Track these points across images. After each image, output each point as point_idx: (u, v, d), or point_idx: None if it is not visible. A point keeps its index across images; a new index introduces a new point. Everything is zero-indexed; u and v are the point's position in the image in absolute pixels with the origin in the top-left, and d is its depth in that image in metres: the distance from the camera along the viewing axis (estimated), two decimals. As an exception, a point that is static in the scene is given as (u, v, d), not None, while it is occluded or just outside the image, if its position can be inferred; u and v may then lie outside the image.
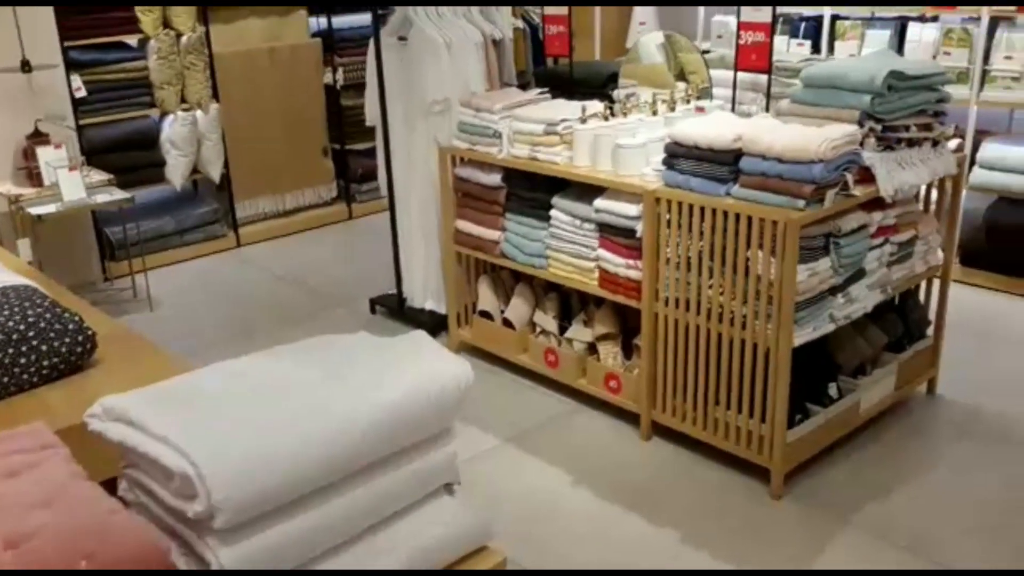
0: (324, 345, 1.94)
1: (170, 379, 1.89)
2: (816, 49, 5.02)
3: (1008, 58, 4.43)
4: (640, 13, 5.81)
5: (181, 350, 4.29)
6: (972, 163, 4.61)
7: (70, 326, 2.80)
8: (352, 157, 6.11)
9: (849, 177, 2.83)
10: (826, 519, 2.93)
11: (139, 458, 1.68)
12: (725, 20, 5.37)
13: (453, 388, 1.83)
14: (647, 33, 5.51)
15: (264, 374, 1.81)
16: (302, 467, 1.60)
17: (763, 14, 3.11)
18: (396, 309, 4.54)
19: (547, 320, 3.81)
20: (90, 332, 2.84)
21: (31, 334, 2.70)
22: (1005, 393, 3.64)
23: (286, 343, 2.04)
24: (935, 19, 4.73)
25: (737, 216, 2.88)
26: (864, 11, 4.85)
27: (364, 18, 5.99)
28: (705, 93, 3.62)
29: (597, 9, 5.90)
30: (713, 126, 3.00)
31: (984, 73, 4.50)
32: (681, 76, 4.04)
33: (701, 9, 5.47)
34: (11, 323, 2.69)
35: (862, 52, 4.84)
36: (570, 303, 3.86)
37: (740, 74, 3.30)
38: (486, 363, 4.04)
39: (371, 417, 1.68)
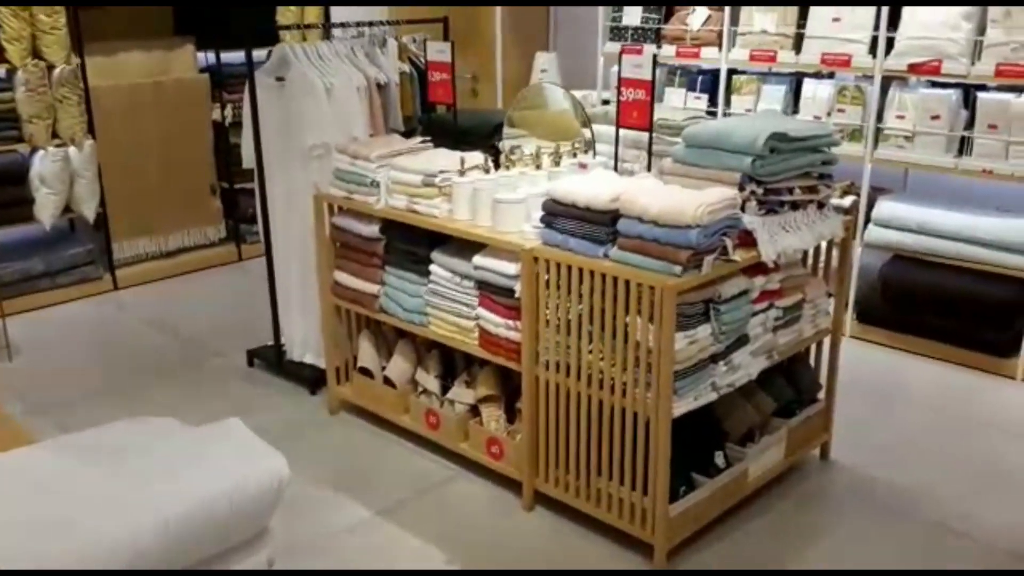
0: (121, 438, 1.70)
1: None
2: (713, 103, 4.99)
3: (900, 117, 4.45)
4: (541, 60, 5.71)
5: (35, 408, 3.96)
6: (868, 220, 4.61)
7: None
8: (242, 196, 5.83)
9: (728, 242, 2.71)
10: (707, 601, 2.77)
11: None
12: (626, 69, 5.30)
13: (264, 489, 1.61)
14: (548, 80, 5.42)
15: (46, 476, 1.56)
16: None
17: (644, 71, 3.00)
18: (275, 362, 4.27)
19: (428, 379, 3.60)
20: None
21: None
22: (898, 457, 3.57)
23: (151, 402, 1.79)
24: (830, 76, 4.73)
25: (615, 279, 2.74)
26: (762, 66, 4.83)
27: (256, 54, 5.74)
28: (590, 147, 3.49)
29: (499, 56, 5.80)
30: (592, 185, 2.86)
31: (878, 131, 4.51)
32: (587, 125, 3.92)
33: (600, 60, 5.40)
34: None
35: (758, 107, 4.82)
36: (454, 360, 3.66)
37: (624, 131, 3.18)
38: (367, 423, 3.81)
39: (157, 530, 1.45)
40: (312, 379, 4.07)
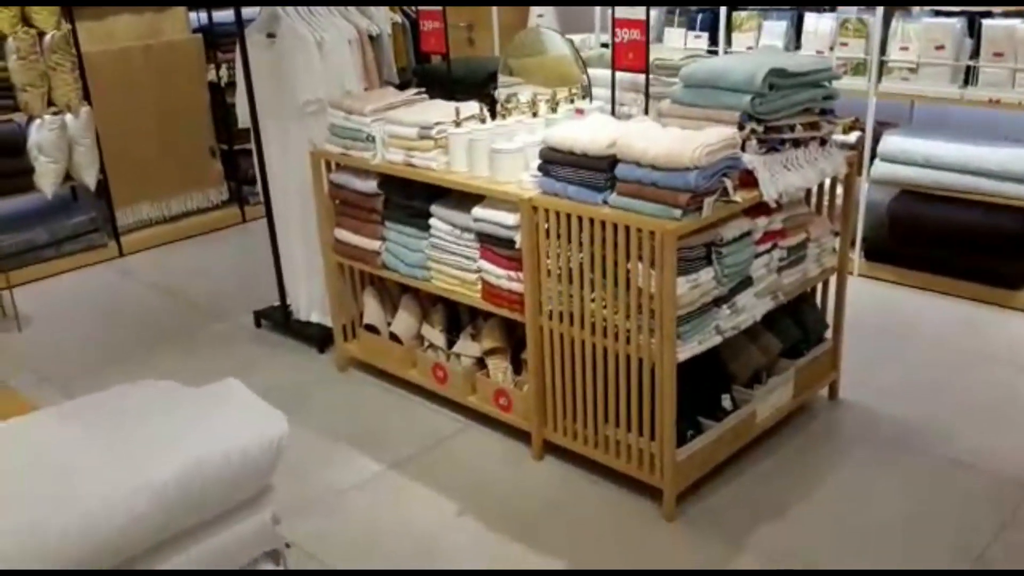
0: (116, 403, 1.70)
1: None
2: (714, 41, 4.89)
3: (904, 49, 4.35)
4: (538, 6, 5.61)
5: (45, 377, 3.99)
6: (874, 155, 4.54)
7: None
8: (243, 157, 5.79)
9: (728, 183, 2.67)
10: (720, 543, 2.79)
11: None
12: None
13: (263, 448, 1.61)
14: (545, 25, 5.32)
15: (42, 444, 1.57)
16: (66, 558, 1.37)
17: (638, 11, 2.93)
18: (282, 323, 4.28)
19: (434, 334, 3.60)
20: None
21: None
22: (908, 394, 3.55)
23: (160, 367, 1.79)
24: (832, 8, 4.62)
25: (615, 226, 2.71)
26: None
27: (249, 12, 5.66)
28: (587, 92, 3.43)
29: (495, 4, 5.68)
30: (588, 130, 2.82)
31: (881, 64, 4.42)
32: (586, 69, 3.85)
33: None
34: None
35: (759, 43, 4.73)
36: (459, 314, 3.66)
37: (620, 73, 3.12)
38: (376, 379, 3.82)
39: (152, 492, 1.45)
40: (319, 338, 4.07)
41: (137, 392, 1.74)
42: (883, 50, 4.40)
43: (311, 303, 4.17)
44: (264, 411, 1.67)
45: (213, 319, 4.53)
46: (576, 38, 3.94)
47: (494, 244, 3.12)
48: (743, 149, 2.77)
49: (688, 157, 2.54)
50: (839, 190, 3.36)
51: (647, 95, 3.10)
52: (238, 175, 5.83)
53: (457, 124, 3.21)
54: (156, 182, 5.52)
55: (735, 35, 4.84)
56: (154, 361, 4.07)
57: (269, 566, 1.73)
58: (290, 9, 3.76)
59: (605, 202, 2.75)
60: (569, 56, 3.64)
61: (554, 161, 2.86)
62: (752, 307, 2.94)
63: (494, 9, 5.69)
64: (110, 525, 1.40)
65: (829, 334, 3.50)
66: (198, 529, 1.56)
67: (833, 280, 3.43)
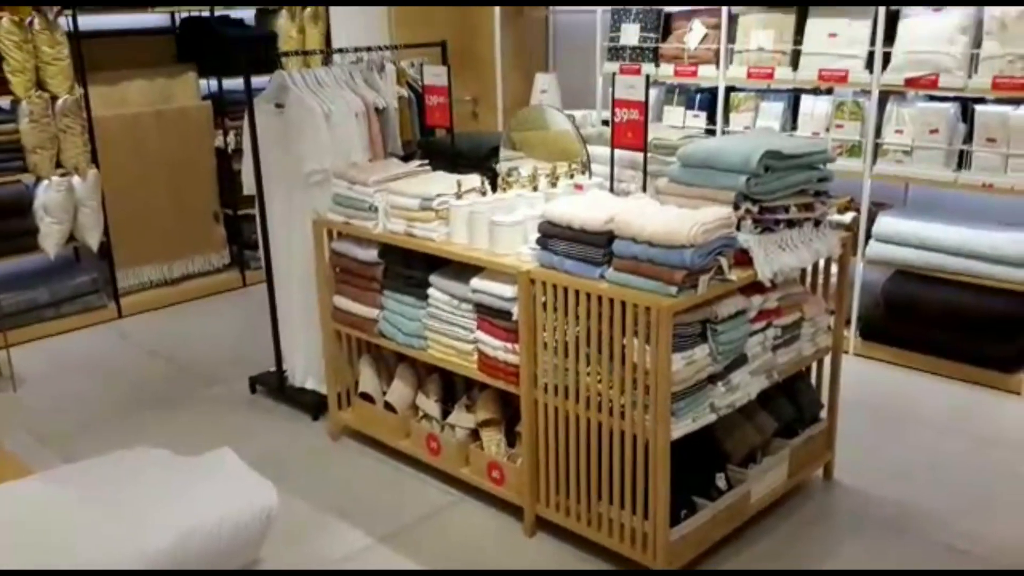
0: (113, 470, 1.70)
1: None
2: (712, 120, 4.99)
3: (899, 132, 4.44)
4: (541, 81, 5.72)
5: (39, 438, 3.97)
6: (868, 236, 4.59)
7: None
8: (245, 223, 5.85)
9: (724, 261, 2.70)
10: (711, 624, 2.74)
11: None
12: (625, 89, 5.31)
13: (253, 518, 1.61)
14: (547, 101, 5.43)
15: (44, 506, 1.56)
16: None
17: (638, 91, 3.01)
18: (277, 388, 4.27)
19: (429, 404, 3.60)
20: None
21: None
22: (903, 477, 3.53)
23: (154, 430, 1.79)
24: (828, 92, 4.74)
25: (611, 301, 2.73)
26: (759, 83, 4.84)
27: (259, 81, 5.79)
28: (586, 168, 3.49)
29: (499, 80, 5.82)
30: (587, 206, 2.86)
31: (876, 146, 4.50)
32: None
33: (599, 79, 5.42)
34: None
35: (756, 124, 4.82)
36: (454, 385, 3.66)
37: (620, 151, 3.18)
38: (369, 448, 3.80)
39: (151, 561, 1.44)
40: (314, 404, 4.06)
41: (132, 459, 1.75)
42: (878, 133, 4.49)
43: (307, 369, 4.17)
44: (255, 482, 1.67)
45: (209, 383, 4.52)
46: (577, 114, 4.03)
47: (491, 315, 3.14)
48: (738, 228, 2.81)
49: (684, 235, 2.58)
50: (833, 269, 3.39)
51: (645, 173, 3.15)
52: (240, 240, 5.89)
53: (458, 196, 3.26)
54: (159, 245, 5.57)
55: (732, 115, 4.94)
56: (149, 424, 4.05)
57: (253, 640, 1.70)
58: (299, 80, 3.85)
59: (602, 277, 2.78)
60: (571, 132, 3.72)
61: (552, 235, 2.90)
62: (747, 385, 2.94)
63: (499, 84, 5.82)
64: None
65: (824, 414, 3.49)
66: (183, 601, 1.55)
67: (828, 359, 3.44)
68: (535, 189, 3.41)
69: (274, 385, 4.27)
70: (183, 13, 5.72)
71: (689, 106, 5.06)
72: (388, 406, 3.68)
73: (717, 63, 4.91)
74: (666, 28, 5.18)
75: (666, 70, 5.12)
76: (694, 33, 4.97)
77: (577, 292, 2.82)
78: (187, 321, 5.42)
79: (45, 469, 2.10)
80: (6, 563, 1.40)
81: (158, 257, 5.59)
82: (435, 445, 3.50)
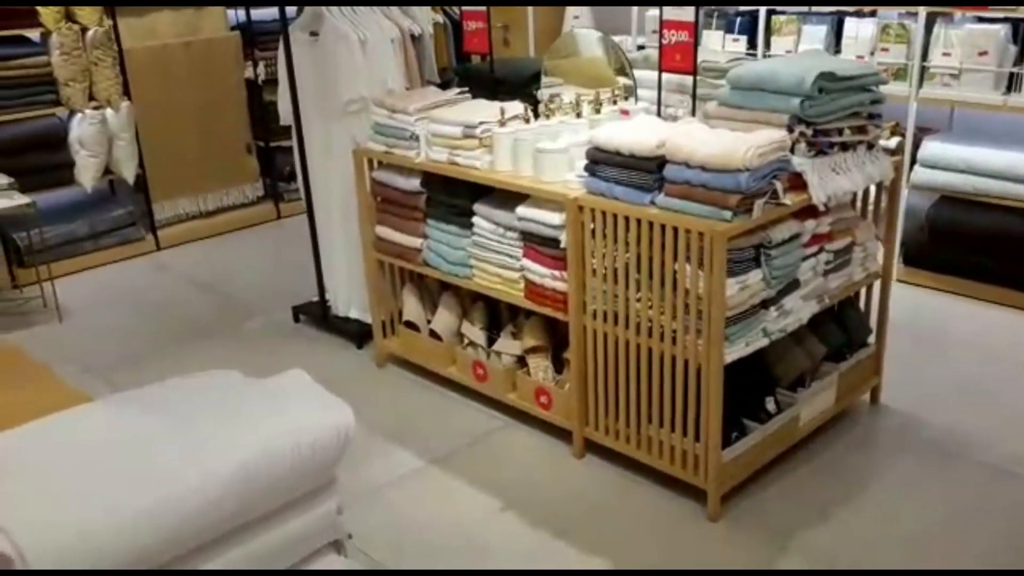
0: (185, 392, 1.72)
1: (5, 435, 1.67)
2: (752, 45, 4.88)
3: (946, 54, 4.33)
4: (574, 7, 5.62)
5: (87, 367, 4.04)
6: (913, 161, 4.52)
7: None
8: (278, 154, 5.84)
9: (778, 185, 2.67)
10: (764, 544, 2.78)
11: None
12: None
13: (330, 438, 1.63)
14: (581, 27, 5.33)
15: (109, 430, 1.59)
16: (141, 541, 1.40)
17: (687, 12, 2.93)
18: (320, 318, 4.31)
19: (474, 331, 3.62)
20: (-28, 355, 2.62)
21: None
22: (948, 400, 3.53)
23: (199, 360, 1.82)
24: (873, 14, 4.61)
25: (663, 227, 2.71)
26: (800, 6, 4.71)
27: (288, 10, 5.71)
28: (631, 93, 3.43)
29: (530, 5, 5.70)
30: (636, 131, 2.82)
31: (923, 70, 4.40)
32: (621, 71, 3.86)
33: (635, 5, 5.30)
34: None
35: (799, 48, 4.71)
36: (499, 313, 3.67)
37: (666, 75, 3.12)
38: (414, 375, 3.84)
39: (221, 481, 1.47)
40: (358, 334, 4.10)
41: (202, 381, 1.77)
42: (925, 55, 4.38)
43: (350, 299, 4.20)
44: (331, 402, 1.69)
45: (250, 314, 4.57)
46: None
47: (538, 243, 3.13)
48: (792, 152, 2.77)
49: (739, 159, 2.55)
50: (882, 195, 3.34)
51: (694, 97, 3.10)
52: (274, 172, 5.87)
53: (502, 124, 3.23)
54: (193, 177, 5.57)
55: (774, 39, 4.83)
56: (193, 354, 4.11)
57: (332, 556, 1.74)
58: (333, 8, 3.79)
59: (653, 203, 2.76)
60: (602, 58, 3.66)
61: (601, 161, 2.87)
62: (799, 310, 2.94)
63: (530, 10, 5.70)
64: (185, 508, 1.42)
65: (872, 339, 3.49)
66: (266, 518, 1.58)
67: (876, 285, 3.42)
68: (579, 115, 3.36)
69: (317, 315, 4.30)
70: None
71: (728, 30, 4.95)
72: (433, 334, 3.71)
73: (758, -17, 4.78)
74: (705, -52, 5.03)
75: (704, -8, 4.99)
76: (734, -47, 4.82)
77: (627, 218, 2.80)
78: (224, 253, 5.45)
79: (98, 399, 2.13)
80: (78, 486, 1.43)
81: (192, 189, 5.60)
82: (481, 371, 3.53)
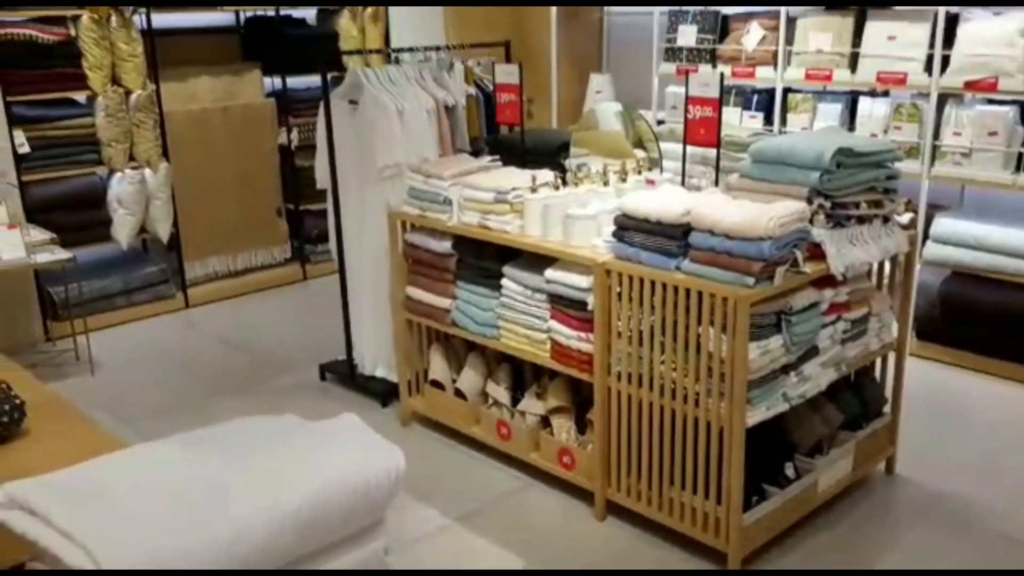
0: (246, 432, 1.83)
1: (80, 465, 1.77)
2: (768, 121, 5.06)
3: (957, 134, 4.49)
4: (596, 81, 5.85)
5: (119, 418, 4.13)
6: (925, 237, 4.64)
7: (-5, 394, 2.67)
8: (307, 217, 6.02)
9: (799, 254, 2.79)
10: (781, 606, 2.83)
11: (43, 552, 1.55)
12: (679, 91, 5.39)
13: (383, 480, 1.73)
14: (603, 101, 5.54)
15: (180, 464, 1.69)
16: (207, 566, 1.48)
17: (711, 89, 3.10)
18: (347, 376, 4.41)
19: (499, 391, 3.71)
20: (18, 401, 2.73)
21: (-51, 406, 2.56)
22: (963, 472, 3.59)
23: (230, 415, 1.92)
24: (886, 94, 4.79)
25: (688, 291, 2.83)
26: (816, 84, 4.91)
27: (318, 79, 5.95)
28: (655, 164, 3.59)
29: (554, 77, 5.94)
30: (662, 200, 2.96)
31: (934, 148, 4.55)
32: (639, 144, 4.04)
33: (655, 80, 5.51)
34: (-76, 395, 2.56)
35: (814, 125, 4.89)
36: (523, 373, 3.77)
37: (690, 147, 3.28)
38: (438, 434, 3.92)
39: (285, 516, 1.56)
40: (383, 392, 4.19)
41: (267, 423, 1.87)
42: (936, 135, 4.55)
43: (376, 358, 4.30)
44: (383, 444, 1.79)
45: (277, 371, 4.67)
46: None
47: (565, 305, 3.24)
48: (811, 223, 2.90)
49: (762, 227, 2.67)
50: (893, 268, 3.46)
51: (717, 169, 3.25)
52: (302, 234, 6.04)
53: (533, 190, 3.37)
54: (225, 238, 5.74)
55: (790, 115, 5.02)
56: (221, 409, 4.20)
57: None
58: (372, 78, 3.98)
59: (678, 268, 2.88)
60: (620, 131, 3.85)
61: (628, 227, 3.00)
62: (817, 376, 3.03)
63: (553, 83, 5.94)
64: (251, 539, 1.51)
65: (887, 409, 3.56)
66: (320, 552, 1.67)
67: (891, 357, 3.51)
68: (605, 184, 3.51)
69: (344, 373, 4.40)
70: (248, 12, 5.88)
71: (746, 107, 5.14)
72: (458, 393, 3.80)
73: (775, 64, 4.98)
74: (723, 30, 5.27)
75: (723, 71, 5.19)
76: (752, 35, 5.04)
77: (653, 282, 2.92)
78: (252, 312, 5.58)
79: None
80: (152, 513, 1.52)
81: (223, 249, 5.76)
82: (505, 431, 3.61)
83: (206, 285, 5.71)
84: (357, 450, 1.75)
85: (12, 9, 4.76)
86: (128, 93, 5.15)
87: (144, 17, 5.17)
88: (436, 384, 3.89)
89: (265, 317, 5.48)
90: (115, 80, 5.12)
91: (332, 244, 4.32)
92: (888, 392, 3.55)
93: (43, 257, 4.49)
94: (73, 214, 5.08)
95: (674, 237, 2.88)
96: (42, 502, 1.58)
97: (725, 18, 5.28)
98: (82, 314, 4.84)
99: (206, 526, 1.49)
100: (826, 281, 2.97)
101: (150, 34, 5.20)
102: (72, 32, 4.95)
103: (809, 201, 2.90)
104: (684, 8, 5.35)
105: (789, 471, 3.16)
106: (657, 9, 5.43)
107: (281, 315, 5.53)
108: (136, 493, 1.60)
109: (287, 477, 1.64)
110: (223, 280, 5.80)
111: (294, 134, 5.85)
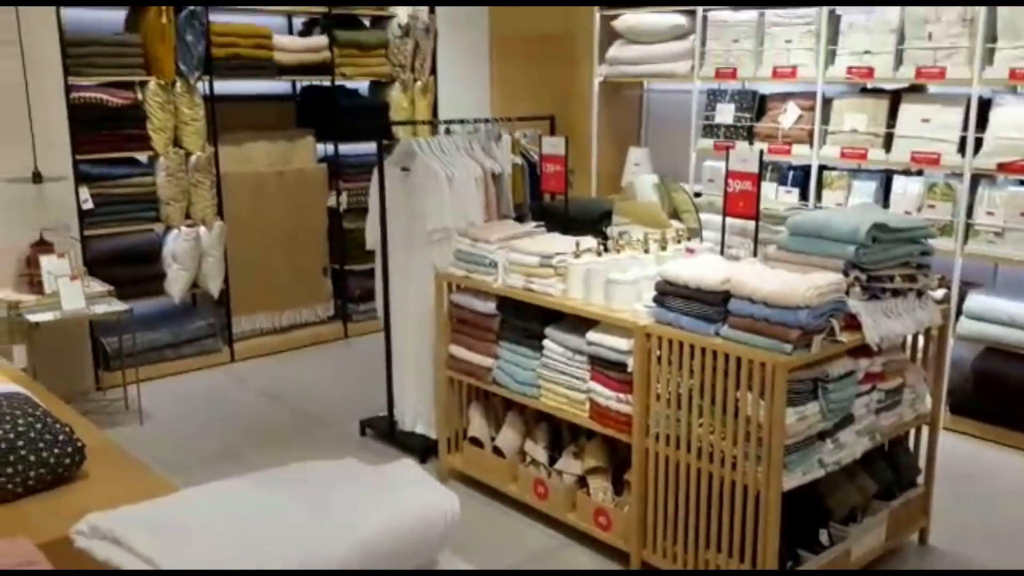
0: (310, 472, 1.93)
1: (158, 499, 1.89)
2: (804, 197, 5.20)
3: (990, 213, 4.59)
4: (634, 154, 6.04)
5: (165, 467, 4.23)
6: (959, 313, 4.71)
7: (60, 437, 2.79)
8: (351, 277, 6.21)
9: (835, 324, 2.89)
10: (815, 672, 2.85)
11: (121, 579, 1.65)
12: (716, 165, 5.55)
13: (439, 522, 1.83)
14: (641, 173, 5.73)
15: (249, 501, 1.80)
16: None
17: (751, 164, 3.25)
18: (387, 432, 4.51)
19: (537, 450, 3.80)
20: (80, 444, 2.84)
21: (20, 443, 2.69)
22: (996, 544, 3.60)
23: (273, 466, 2.03)
24: (920, 173, 4.92)
25: (727, 356, 2.93)
26: (851, 163, 5.05)
27: (368, 147, 6.21)
28: (694, 234, 3.73)
29: (595, 149, 6.15)
30: (702, 268, 3.09)
31: (968, 227, 4.65)
32: (674, 215, 4.20)
33: (693, 154, 5.69)
34: (1, 431, 2.69)
35: (849, 202, 5.01)
36: (561, 433, 3.86)
37: (728, 219, 3.42)
38: (475, 491, 3.99)
39: (351, 552, 1.66)
40: (422, 448, 4.29)
41: (326, 466, 1.98)
42: (969, 213, 4.65)
43: (416, 414, 4.41)
44: (439, 488, 1.89)
45: (318, 425, 4.80)
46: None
47: (606, 367, 3.35)
48: (847, 295, 3.00)
49: (800, 297, 2.78)
50: (922, 343, 3.53)
51: (756, 240, 3.37)
52: (345, 294, 6.22)
53: (576, 255, 3.52)
54: (272, 295, 5.92)
55: (825, 192, 5.15)
56: (267, 460, 4.29)
57: (426, 635, 1.89)
58: (425, 147, 4.19)
59: (717, 333, 2.99)
60: (656, 202, 4.03)
61: (669, 293, 3.13)
62: (853, 444, 3.09)
63: (594, 155, 6.14)
64: (323, 565, 1.61)
65: (920, 480, 3.60)
66: (379, 588, 1.76)
67: (925, 430, 3.56)
68: (646, 251, 3.64)
69: (384, 429, 4.51)
70: (304, 82, 6.17)
71: (782, 182, 5.28)
72: (497, 451, 3.89)
73: (811, 143, 5.14)
74: (760, 108, 5.45)
75: (759, 147, 5.35)
76: (788, 114, 5.22)
77: (692, 347, 3.03)
78: (295, 367, 5.73)
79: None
80: (220, 550, 1.62)
81: (270, 306, 5.94)
82: (542, 490, 3.68)
83: (251, 340, 5.88)
84: (415, 492, 1.85)
85: (87, 76, 5.05)
86: (188, 154, 5.41)
87: (207, 84, 5.46)
88: (475, 441, 3.98)
89: (307, 373, 5.63)
90: (176, 142, 5.38)
91: (378, 302, 4.48)
92: (921, 463, 3.59)
93: (101, 308, 4.69)
94: (129, 268, 5.29)
95: (714, 303, 3.00)
96: (124, 531, 1.69)
97: (763, 97, 5.47)
98: (133, 365, 5.01)
99: (279, 555, 1.60)
100: (862, 351, 3.06)
101: (211, 100, 5.48)
102: (139, 96, 5.23)
103: (845, 273, 3.01)
104: (722, 86, 5.55)
105: (823, 538, 3.20)
106: (696, 87, 5.63)
107: (322, 371, 5.67)
108: (211, 523, 1.70)
109: (354, 511, 1.74)
110: (268, 336, 5.96)
111: (343, 197, 6.08)
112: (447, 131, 4.37)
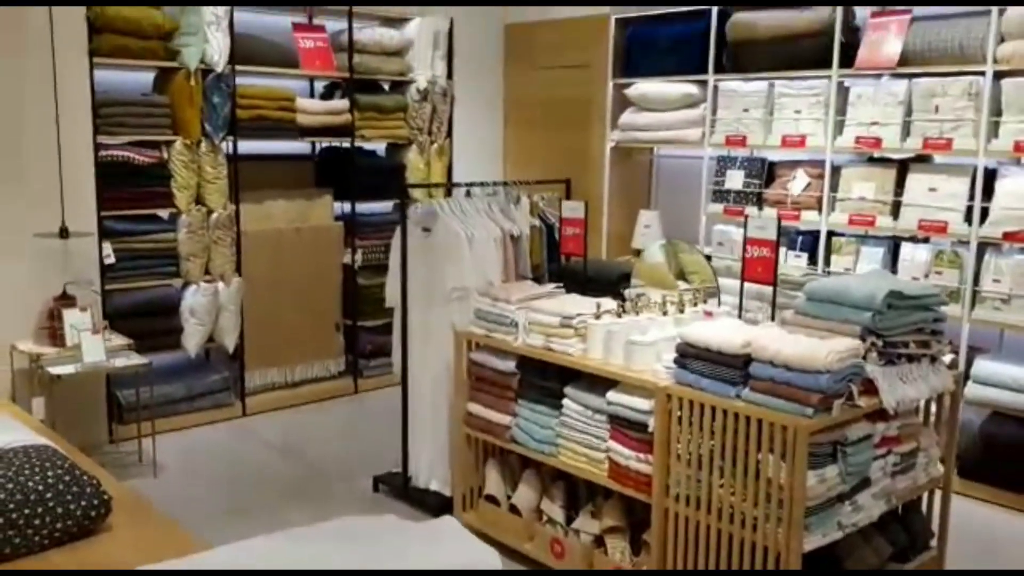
0: (349, 531, 1.98)
1: (199, 555, 1.93)
2: (812, 261, 5.30)
3: (996, 281, 4.69)
4: (645, 217, 6.17)
5: (182, 520, 4.24)
6: (966, 378, 4.78)
7: (87, 489, 2.84)
8: (362, 333, 6.28)
9: (854, 388, 2.96)
10: None
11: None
12: (725, 229, 5.70)
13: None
14: (651, 236, 5.85)
15: (298, 556, 1.85)
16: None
17: (768, 231, 3.36)
18: (400, 489, 4.54)
19: (554, 509, 3.83)
20: (106, 496, 2.88)
21: (48, 495, 2.74)
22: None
23: (285, 521, 2.08)
24: (927, 240, 5.03)
25: (748, 419, 2.99)
26: (859, 229, 5.17)
27: (384, 206, 6.36)
28: (710, 295, 3.83)
29: (605, 212, 6.28)
30: (723, 331, 3.17)
31: (975, 294, 4.75)
32: (680, 275, 4.31)
33: (703, 217, 5.81)
34: (30, 483, 2.74)
35: (858, 267, 5.12)
36: (577, 492, 3.89)
37: (746, 283, 3.51)
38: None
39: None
40: (437, 506, 4.30)
41: (368, 521, 2.03)
42: (976, 280, 4.75)
43: (431, 471, 4.44)
44: (480, 545, 1.95)
45: (330, 481, 4.82)
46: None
47: (625, 426, 3.41)
48: (864, 360, 3.08)
49: (821, 361, 2.86)
50: (934, 408, 3.59)
51: (774, 305, 3.46)
52: (356, 349, 6.28)
53: (597, 316, 3.60)
54: (285, 350, 5.98)
55: (834, 257, 5.25)
56: (280, 515, 4.33)
57: None
58: (446, 208, 4.30)
59: (738, 396, 3.05)
60: (663, 263, 4.14)
61: (690, 355, 3.20)
62: (870, 507, 3.14)
63: (604, 218, 6.27)
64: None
65: (934, 543, 3.63)
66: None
67: (937, 494, 3.61)
68: (664, 313, 3.73)
69: (397, 485, 4.54)
70: (324, 143, 6.33)
71: (791, 247, 5.39)
72: (513, 509, 3.92)
73: (819, 209, 5.26)
74: (770, 175, 5.59)
75: (769, 214, 5.48)
76: (797, 181, 5.35)
77: (713, 409, 3.09)
78: (306, 422, 5.76)
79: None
80: None
81: (283, 361, 6.00)
82: (559, 549, 3.70)
83: (263, 394, 5.92)
84: (458, 548, 1.91)
85: (115, 135, 5.19)
86: (210, 212, 5.52)
87: (230, 144, 5.60)
88: (491, 499, 4.01)
89: (318, 428, 5.66)
90: (199, 200, 5.50)
91: (396, 359, 4.54)
92: (935, 526, 3.63)
93: (121, 361, 4.75)
94: (148, 322, 5.36)
95: (735, 366, 3.07)
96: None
97: (771, 164, 5.61)
98: (147, 417, 5.05)
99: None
100: (878, 415, 3.12)
101: (234, 159, 5.62)
102: (164, 155, 5.36)
103: (862, 339, 3.09)
104: (732, 153, 5.70)
105: (842, 601, 3.22)
106: (707, 153, 5.78)
107: (333, 426, 5.70)
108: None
109: (404, 564, 1.79)
110: (279, 390, 6.01)
111: (359, 255, 6.18)
112: (467, 193, 4.49)
